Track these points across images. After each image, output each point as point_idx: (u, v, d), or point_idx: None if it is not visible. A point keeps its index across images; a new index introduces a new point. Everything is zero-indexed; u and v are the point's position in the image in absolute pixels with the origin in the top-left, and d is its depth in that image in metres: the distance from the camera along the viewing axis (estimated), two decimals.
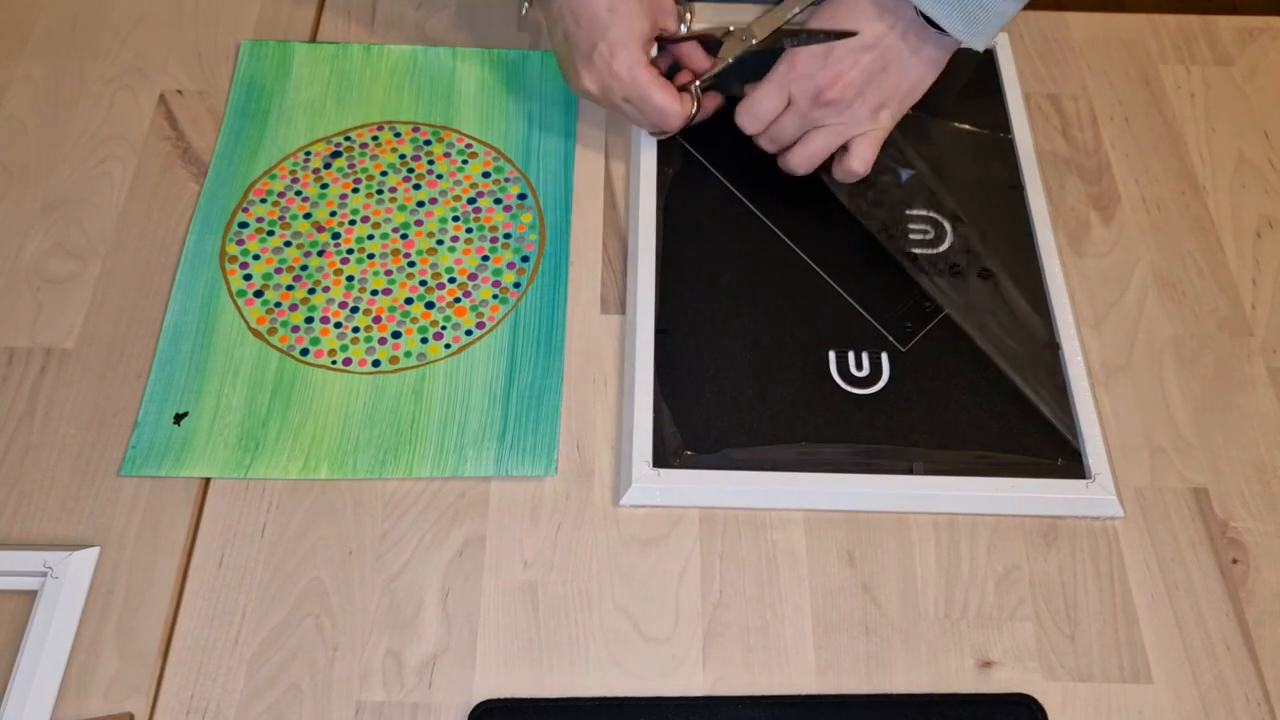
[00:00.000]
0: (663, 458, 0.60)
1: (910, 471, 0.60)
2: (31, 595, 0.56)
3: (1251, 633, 0.57)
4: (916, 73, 0.66)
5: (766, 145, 0.69)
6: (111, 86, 0.75)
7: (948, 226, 0.69)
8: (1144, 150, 0.75)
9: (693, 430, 0.61)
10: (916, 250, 0.68)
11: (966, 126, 0.74)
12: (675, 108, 0.66)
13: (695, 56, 0.70)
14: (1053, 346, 0.65)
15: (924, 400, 0.63)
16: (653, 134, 0.71)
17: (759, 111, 0.67)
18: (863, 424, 0.62)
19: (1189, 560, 0.59)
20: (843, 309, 0.66)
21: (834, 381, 0.63)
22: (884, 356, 0.64)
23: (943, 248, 0.68)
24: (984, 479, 0.60)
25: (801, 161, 0.68)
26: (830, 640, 0.56)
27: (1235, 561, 0.59)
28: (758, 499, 0.60)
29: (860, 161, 0.67)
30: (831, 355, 0.64)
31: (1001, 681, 0.55)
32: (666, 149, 0.72)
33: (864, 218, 0.70)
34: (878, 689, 0.55)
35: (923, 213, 0.70)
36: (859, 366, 0.64)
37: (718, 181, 0.71)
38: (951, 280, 0.67)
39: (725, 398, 0.62)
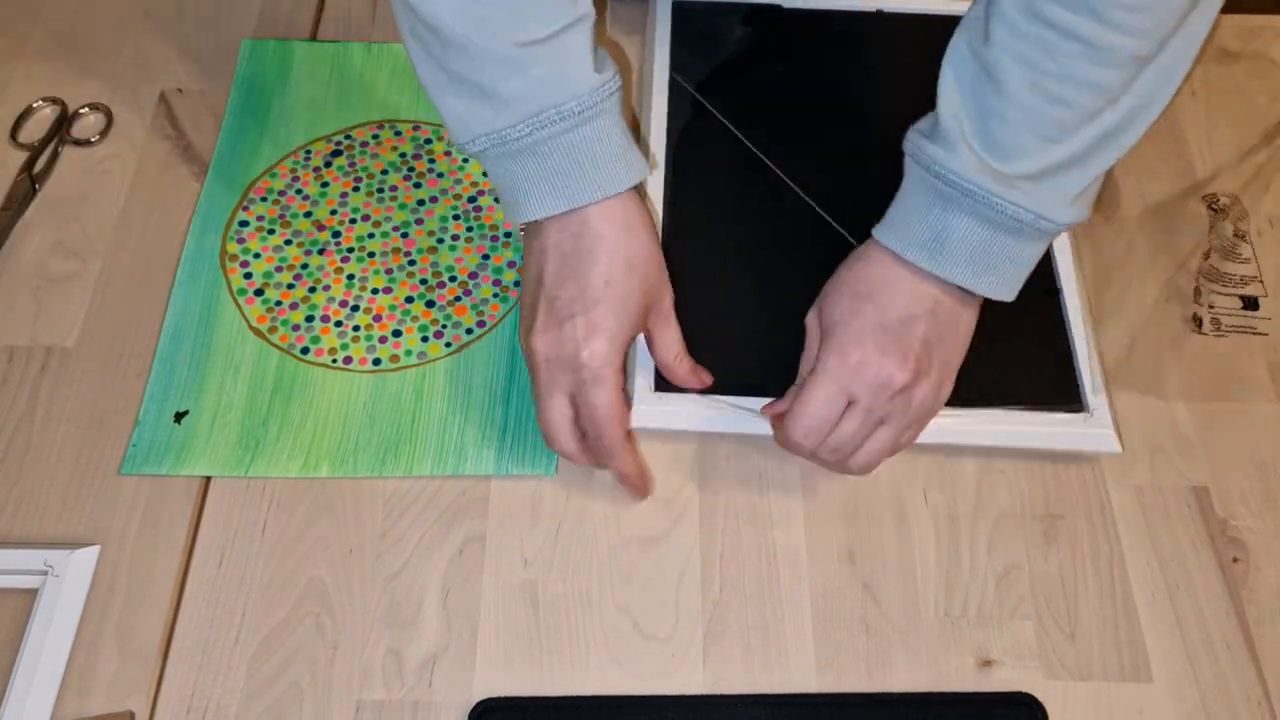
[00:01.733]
0: (665, 383, 0.60)
1: None
2: (32, 594, 0.56)
3: (1252, 631, 0.57)
4: (965, 328, 0.58)
5: (825, 458, 0.57)
6: (112, 85, 0.75)
7: None
8: (1144, 148, 0.75)
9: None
10: None
11: None
12: (614, 436, 0.55)
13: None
14: (1053, 291, 0.65)
15: None
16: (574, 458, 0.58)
17: (817, 422, 0.55)
18: None
19: (1189, 559, 0.59)
20: (847, 251, 0.65)
21: None
22: None
23: None
24: (980, 410, 0.60)
25: (865, 467, 0.57)
26: (830, 639, 0.56)
27: (1236, 560, 0.59)
28: (757, 424, 0.59)
29: (894, 450, 0.58)
30: None
31: (1002, 680, 0.55)
32: (678, 100, 0.72)
33: (876, 163, 0.69)
34: (878, 688, 0.55)
35: None
36: None
37: (728, 131, 0.71)
38: None
39: (725, 335, 0.62)
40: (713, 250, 0.66)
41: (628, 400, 0.59)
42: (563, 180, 0.55)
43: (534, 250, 0.57)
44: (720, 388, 0.61)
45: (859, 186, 0.68)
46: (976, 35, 0.54)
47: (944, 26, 0.78)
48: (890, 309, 0.55)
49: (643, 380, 0.61)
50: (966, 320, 0.58)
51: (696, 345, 0.61)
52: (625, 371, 0.58)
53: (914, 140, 0.56)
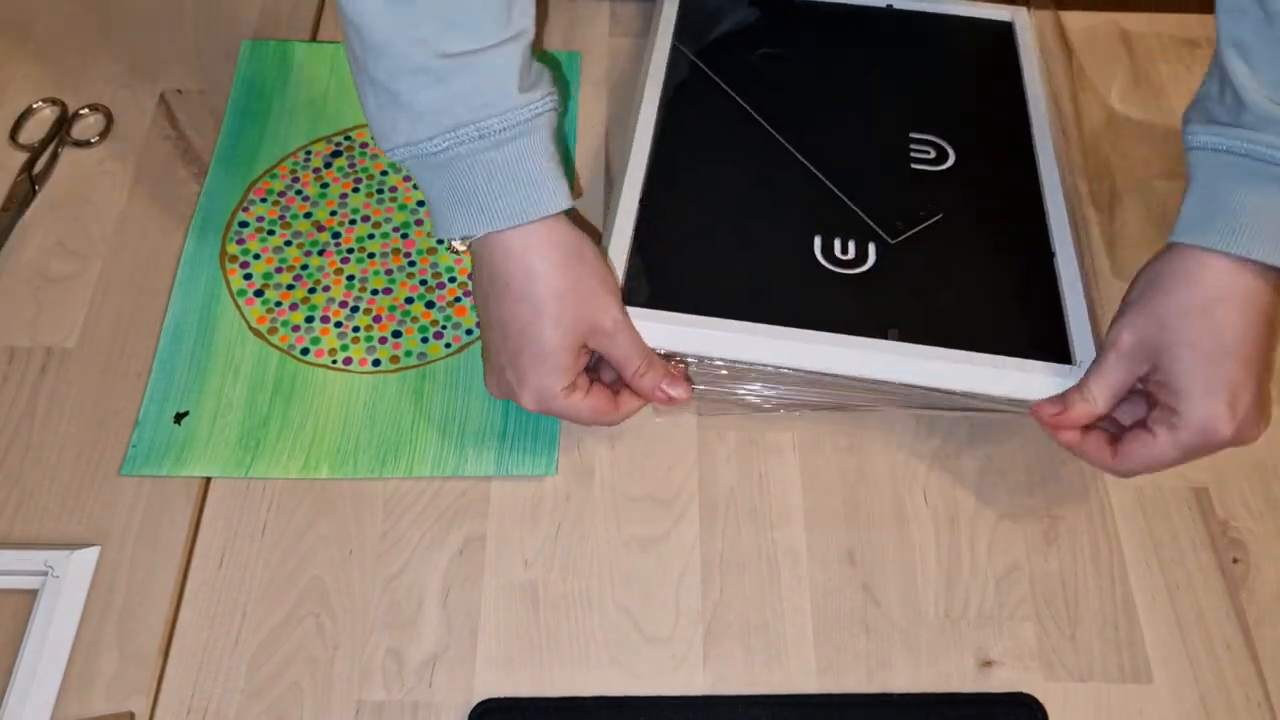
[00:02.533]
0: (628, 298, 0.60)
1: (884, 337, 0.59)
2: (32, 594, 0.56)
3: (1252, 632, 0.57)
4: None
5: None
6: (112, 86, 0.75)
7: (950, 150, 0.70)
8: (1144, 148, 0.75)
9: (665, 287, 0.61)
10: (917, 167, 0.69)
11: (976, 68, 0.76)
12: (608, 421, 0.58)
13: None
14: (1048, 254, 0.65)
15: (909, 286, 0.62)
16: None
17: (1153, 466, 0.56)
18: (842, 301, 0.61)
19: (1189, 560, 0.59)
20: (834, 203, 0.66)
21: (816, 259, 0.63)
22: (871, 246, 0.64)
23: (944, 167, 0.69)
24: (963, 352, 0.59)
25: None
26: (830, 639, 0.56)
27: (1236, 561, 0.59)
28: (722, 346, 0.59)
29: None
30: (817, 240, 0.64)
31: (1002, 681, 0.55)
32: (676, 63, 0.74)
33: (868, 136, 0.71)
34: (878, 688, 0.55)
35: (926, 136, 0.70)
36: (844, 251, 0.64)
37: (720, 88, 0.72)
38: (947, 193, 0.67)
39: (701, 265, 0.63)
40: (697, 186, 0.67)
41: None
42: (481, 200, 0.53)
43: (472, 280, 0.58)
44: (697, 308, 0.60)
45: (849, 145, 0.69)
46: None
47: (953, 25, 0.79)
48: (1243, 347, 0.52)
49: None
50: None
51: (665, 260, 0.62)
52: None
53: (1214, 131, 0.53)
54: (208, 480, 0.60)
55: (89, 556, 0.57)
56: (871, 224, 0.65)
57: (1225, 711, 0.55)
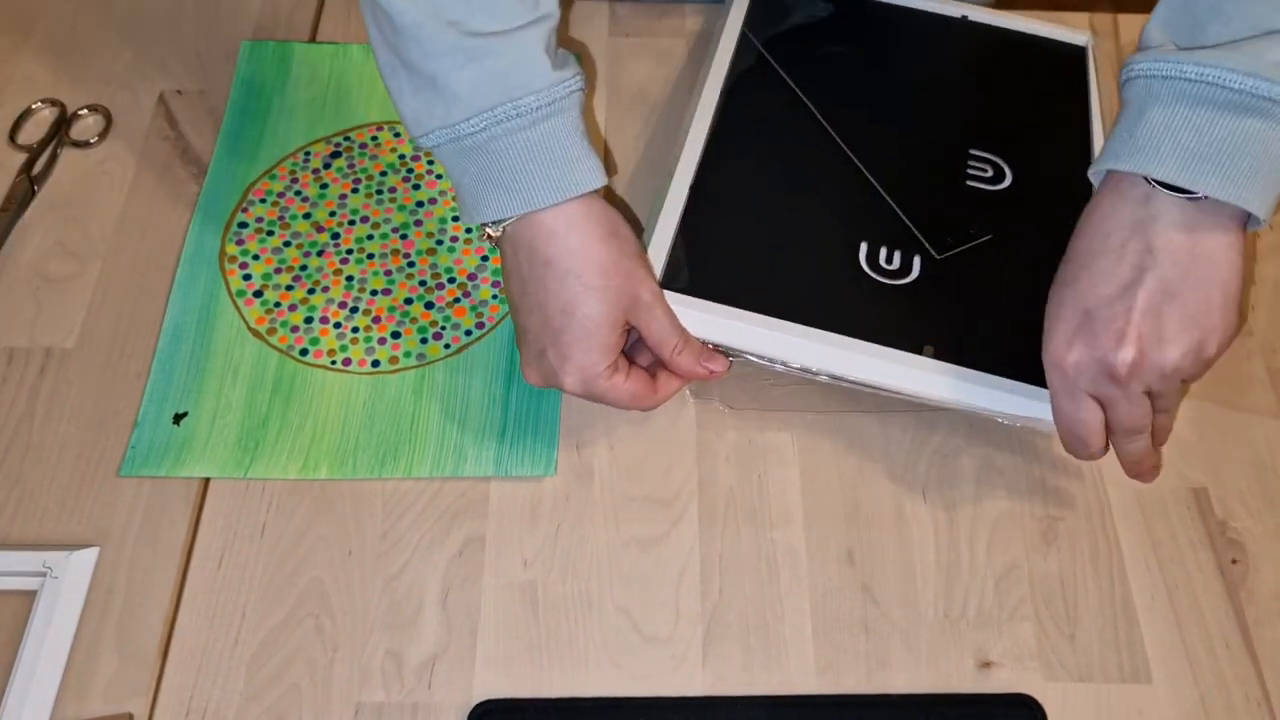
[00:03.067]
0: (668, 282, 0.60)
1: (919, 352, 0.59)
2: (31, 595, 0.56)
3: (1251, 632, 0.57)
4: (1214, 265, 0.50)
5: (1133, 451, 0.55)
6: (112, 87, 0.75)
7: (1008, 170, 0.69)
8: None
9: (705, 275, 0.61)
10: (972, 184, 0.68)
11: (1044, 103, 0.74)
12: (648, 404, 0.58)
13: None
14: None
15: (950, 304, 0.62)
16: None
17: (1079, 433, 0.54)
18: (881, 310, 0.60)
19: (1188, 560, 0.59)
20: (885, 211, 0.65)
21: (860, 266, 0.63)
22: (916, 258, 0.63)
23: (999, 187, 0.68)
24: (996, 377, 0.59)
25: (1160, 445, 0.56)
26: (830, 640, 0.56)
27: (1235, 561, 0.59)
28: (756, 342, 0.59)
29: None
30: (863, 246, 0.64)
31: (1001, 681, 0.55)
32: (743, 51, 0.73)
33: (926, 147, 0.70)
34: (877, 689, 0.55)
35: (985, 154, 0.70)
36: (889, 260, 0.63)
37: (783, 81, 0.72)
38: (1000, 213, 0.66)
39: (744, 257, 0.62)
40: (749, 177, 0.67)
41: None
42: (518, 181, 0.53)
43: (504, 266, 0.57)
44: (736, 300, 0.60)
45: (907, 155, 0.69)
46: None
47: (1026, 44, 0.77)
48: (1100, 285, 0.51)
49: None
50: (1212, 254, 0.50)
51: (710, 248, 0.62)
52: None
53: (1138, 63, 0.52)
54: (207, 481, 0.60)
55: (88, 557, 0.57)
56: (920, 236, 0.64)
57: (1224, 711, 0.55)
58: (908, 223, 0.65)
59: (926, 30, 0.77)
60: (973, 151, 0.69)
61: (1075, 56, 0.76)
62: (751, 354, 0.60)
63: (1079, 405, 0.54)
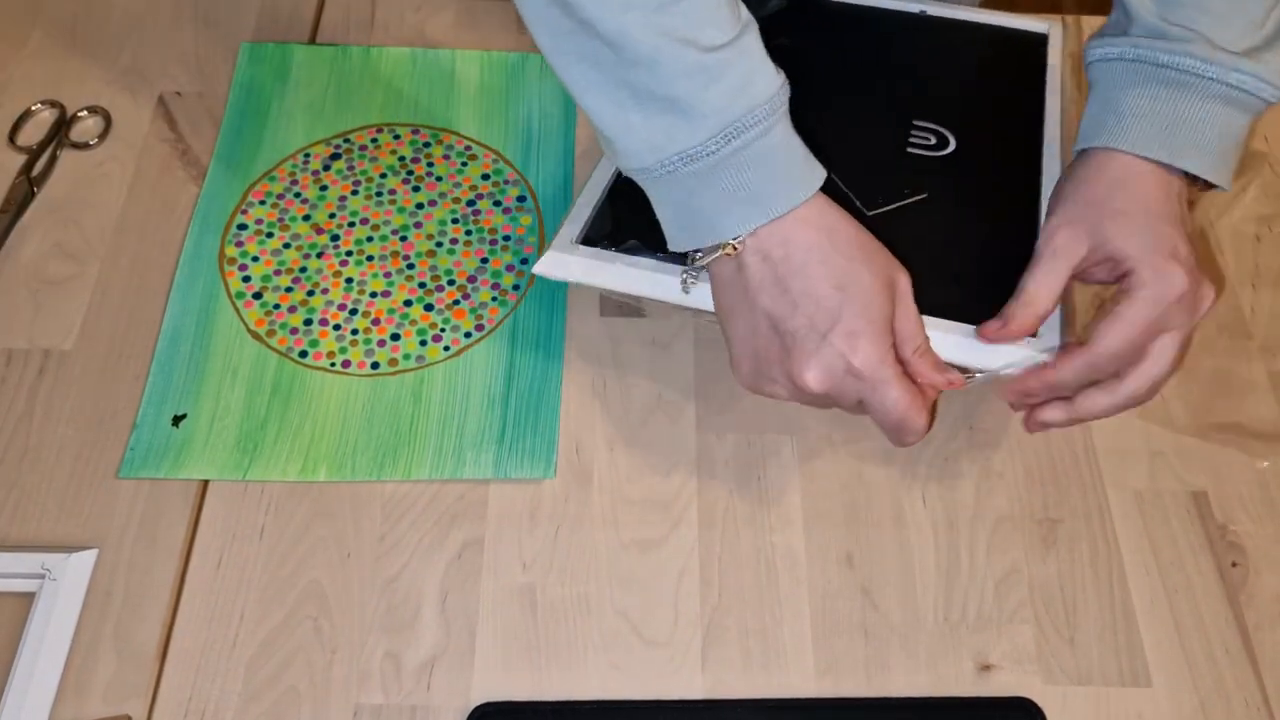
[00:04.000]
0: (592, 239, 0.62)
1: None
2: (30, 597, 0.56)
3: (1251, 636, 0.57)
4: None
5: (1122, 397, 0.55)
6: (111, 88, 0.75)
7: (951, 138, 0.69)
8: None
9: (634, 232, 0.62)
10: (914, 151, 0.68)
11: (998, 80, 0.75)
12: (919, 424, 0.53)
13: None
14: (1030, 242, 0.61)
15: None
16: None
17: (1128, 349, 0.54)
18: None
19: (1188, 564, 0.59)
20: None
21: None
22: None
23: (942, 153, 0.68)
24: (928, 317, 0.57)
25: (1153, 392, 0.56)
26: (829, 643, 0.56)
27: (1234, 565, 0.59)
28: (677, 292, 0.59)
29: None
30: None
31: (1001, 685, 0.55)
32: None
33: (872, 119, 0.70)
34: (877, 692, 0.55)
35: (931, 125, 0.70)
36: None
37: None
38: (940, 177, 0.67)
39: None
40: None
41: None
42: (757, 190, 0.52)
43: (731, 286, 0.54)
44: (664, 251, 0.59)
45: (843, 125, 0.69)
46: None
47: (985, 33, 0.77)
48: (1167, 207, 0.55)
49: (569, 229, 0.62)
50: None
51: (636, 214, 0.60)
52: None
53: (1106, 43, 0.58)
54: (205, 483, 0.60)
55: (87, 559, 0.57)
56: (850, 194, 0.64)
57: (1224, 715, 0.55)
58: (837, 181, 0.64)
59: (883, 24, 0.78)
60: (917, 122, 0.70)
61: (1035, 44, 0.77)
62: (681, 304, 0.60)
63: (1151, 324, 0.54)
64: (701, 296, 0.59)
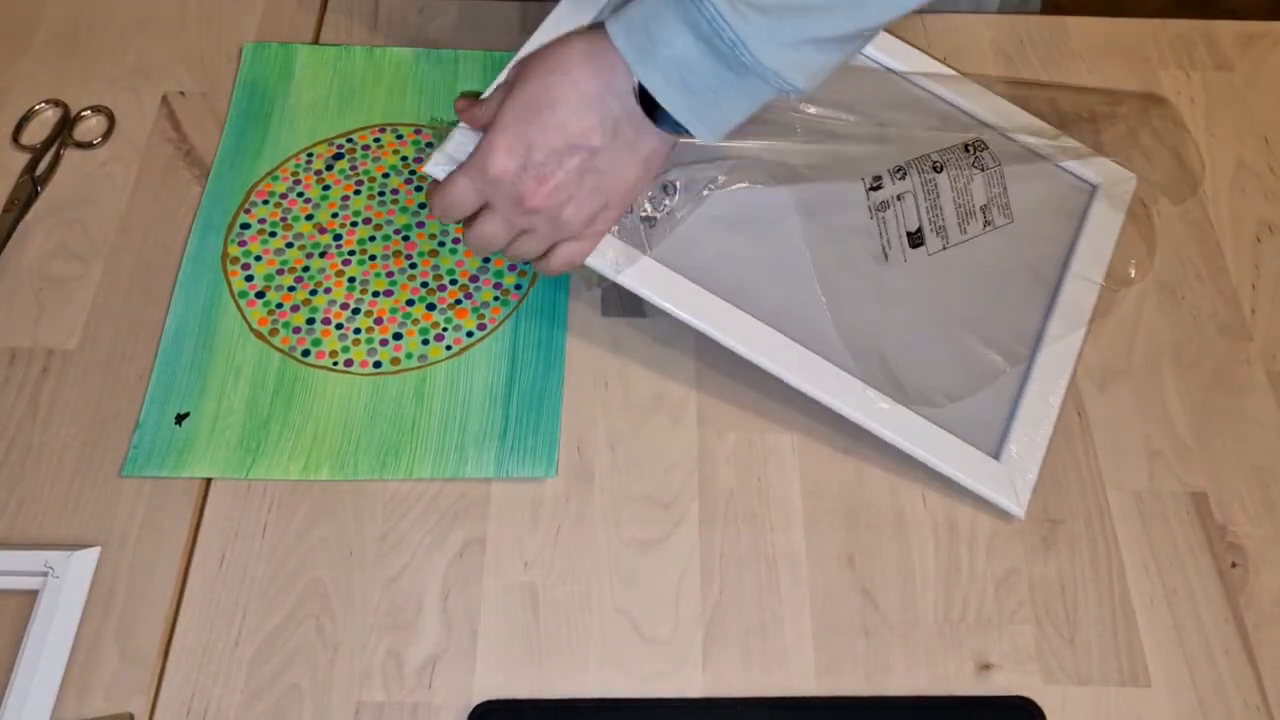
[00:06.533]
0: None
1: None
2: (32, 595, 0.56)
3: (1250, 637, 0.57)
4: (632, 174, 0.57)
5: (475, 249, 0.60)
6: (115, 88, 0.76)
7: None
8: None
9: None
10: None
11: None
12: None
13: None
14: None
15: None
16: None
17: (448, 205, 0.58)
18: None
19: (1188, 564, 0.59)
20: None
21: None
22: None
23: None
24: (909, 411, 0.60)
25: (513, 258, 0.62)
26: (829, 642, 0.56)
27: (1234, 565, 0.59)
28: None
29: (565, 264, 0.60)
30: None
31: (1001, 684, 0.55)
32: None
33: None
34: (877, 691, 0.55)
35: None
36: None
37: None
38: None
39: None
40: None
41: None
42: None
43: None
44: None
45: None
46: None
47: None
48: (569, 126, 0.54)
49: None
50: (634, 168, 0.57)
51: None
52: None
53: None
54: (208, 481, 0.60)
55: (89, 557, 0.57)
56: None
57: (1223, 715, 0.55)
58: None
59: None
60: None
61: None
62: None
63: (466, 192, 0.57)
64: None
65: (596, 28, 0.56)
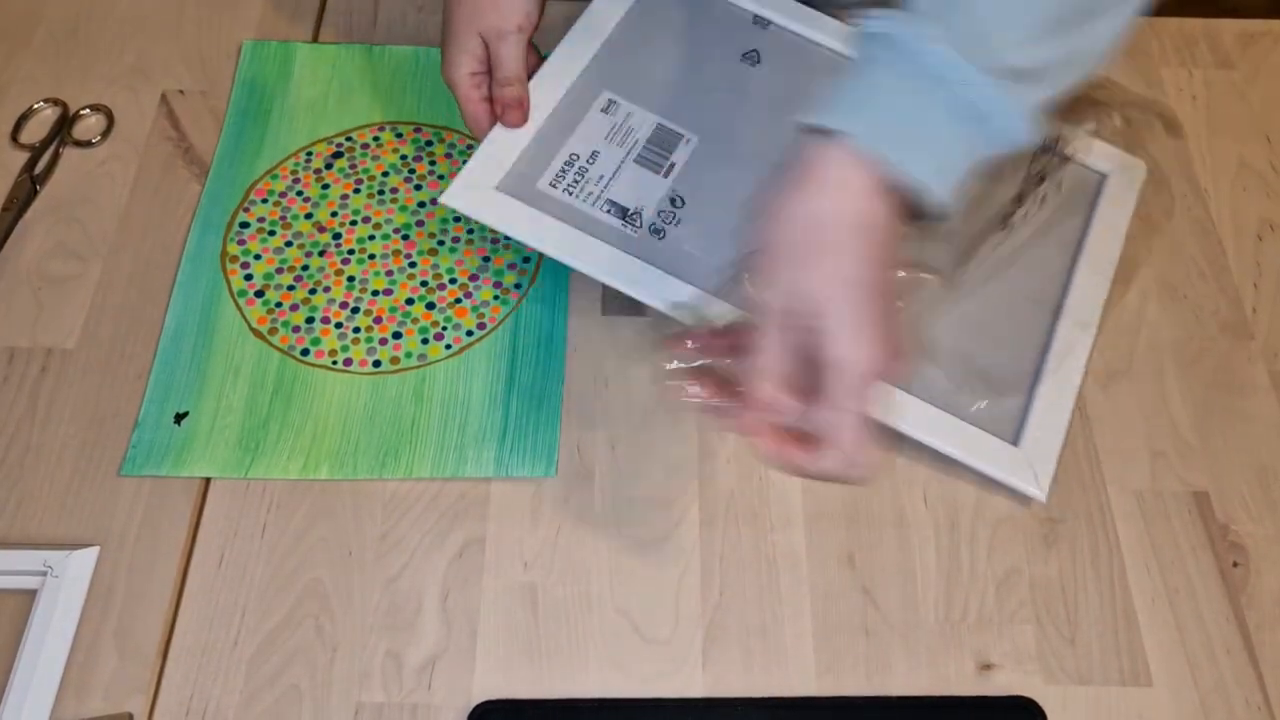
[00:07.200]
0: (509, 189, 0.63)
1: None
2: (31, 594, 0.56)
3: (1252, 636, 0.57)
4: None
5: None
6: (114, 87, 0.75)
7: None
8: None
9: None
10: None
11: None
12: (482, 125, 0.65)
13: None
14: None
15: None
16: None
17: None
18: None
19: (1189, 564, 0.59)
20: None
21: None
22: None
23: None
24: (925, 405, 0.60)
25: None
26: (830, 642, 0.56)
27: (1236, 565, 0.59)
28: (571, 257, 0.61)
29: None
30: None
31: (1001, 684, 0.55)
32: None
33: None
34: (877, 691, 0.55)
35: None
36: None
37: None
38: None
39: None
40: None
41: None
42: None
43: None
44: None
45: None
46: None
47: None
48: (850, 254, 0.45)
49: (492, 167, 0.63)
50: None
51: None
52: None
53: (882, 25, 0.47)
54: (207, 481, 0.60)
55: (88, 557, 0.57)
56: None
57: (1225, 715, 0.55)
58: None
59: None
60: None
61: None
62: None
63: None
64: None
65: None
